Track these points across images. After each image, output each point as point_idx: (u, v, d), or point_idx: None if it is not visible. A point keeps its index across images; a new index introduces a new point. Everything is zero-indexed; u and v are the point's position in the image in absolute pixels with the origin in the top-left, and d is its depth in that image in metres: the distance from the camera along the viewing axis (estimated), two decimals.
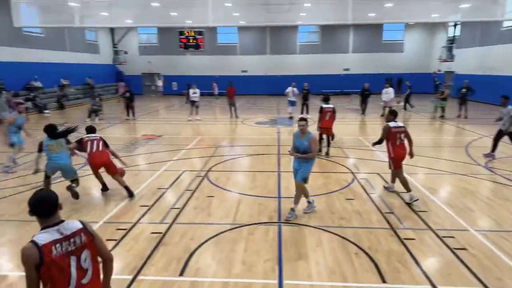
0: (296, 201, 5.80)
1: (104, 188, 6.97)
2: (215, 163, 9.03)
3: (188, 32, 30.53)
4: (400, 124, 6.51)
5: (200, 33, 30.59)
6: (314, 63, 30.37)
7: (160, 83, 30.00)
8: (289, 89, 16.65)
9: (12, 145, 8.46)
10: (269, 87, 29.71)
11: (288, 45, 30.76)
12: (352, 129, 14.21)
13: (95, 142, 6.70)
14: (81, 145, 6.74)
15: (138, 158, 9.84)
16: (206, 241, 4.98)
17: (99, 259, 2.40)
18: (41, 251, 2.07)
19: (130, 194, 6.62)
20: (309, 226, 5.44)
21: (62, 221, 2.25)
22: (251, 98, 27.52)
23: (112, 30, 30.82)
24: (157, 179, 7.79)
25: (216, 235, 5.16)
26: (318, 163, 8.03)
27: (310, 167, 5.70)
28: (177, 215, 5.85)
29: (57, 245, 2.14)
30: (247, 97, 27.76)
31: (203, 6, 16.20)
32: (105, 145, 6.84)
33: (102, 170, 6.80)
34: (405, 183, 6.34)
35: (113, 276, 2.56)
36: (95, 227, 5.37)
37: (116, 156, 6.93)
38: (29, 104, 17.73)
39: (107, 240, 4.91)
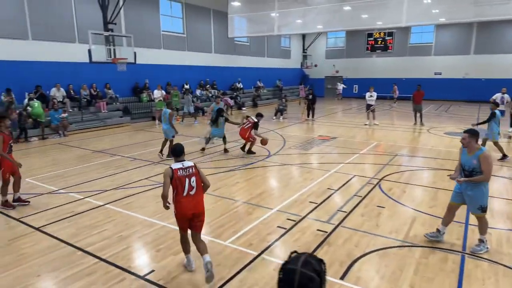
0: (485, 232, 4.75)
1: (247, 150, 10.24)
2: (389, 172, 8.46)
3: (377, 34, 29.56)
4: None
5: (390, 34, 29.08)
6: None
7: (340, 86, 30.32)
8: (497, 96, 13.73)
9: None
10: (468, 92, 25.38)
11: (501, 43, 25.19)
12: None
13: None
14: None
15: (312, 157, 10.30)
16: (371, 251, 4.76)
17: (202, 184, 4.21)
18: (173, 171, 4.05)
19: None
20: (505, 266, 4.39)
21: (184, 160, 4.22)
22: (442, 104, 24.19)
23: (303, 36, 33.17)
24: (327, 179, 7.96)
25: (383, 248, 4.85)
26: None
27: (483, 192, 4.54)
28: (344, 218, 5.83)
29: (180, 170, 4.08)
30: (437, 103, 24.58)
31: (398, 5, 15.27)
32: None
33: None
34: None
35: (279, 261, 2.79)
36: (268, 213, 6.02)
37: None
38: (232, 102, 21.28)
39: (277, 227, 5.44)
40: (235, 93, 23.58)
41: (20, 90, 13.52)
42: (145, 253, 4.85)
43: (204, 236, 5.20)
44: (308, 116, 17.98)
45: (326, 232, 5.32)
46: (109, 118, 15.96)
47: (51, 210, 6.25)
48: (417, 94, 15.65)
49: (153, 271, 4.32)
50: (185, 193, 4.03)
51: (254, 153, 10.32)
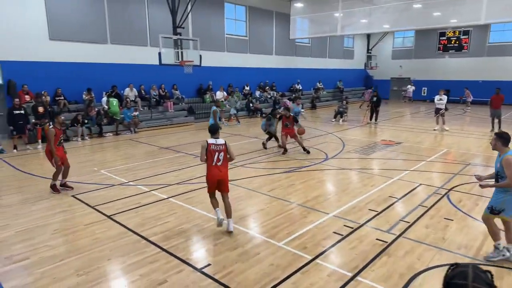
0: (495, 238, 4.48)
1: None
2: (460, 183, 7.78)
3: (451, 33, 27.35)
4: None
5: (466, 32, 26.72)
6: None
7: (410, 88, 28.57)
8: None
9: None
10: None
11: None
12: None
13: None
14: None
15: (373, 162, 9.87)
16: (436, 266, 4.43)
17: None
18: (207, 144, 5.27)
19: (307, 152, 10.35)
20: None
21: (218, 138, 5.39)
22: None
23: (368, 36, 31.92)
24: (389, 187, 7.56)
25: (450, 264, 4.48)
26: None
27: (503, 198, 4.28)
28: (406, 229, 5.50)
29: (213, 145, 5.28)
30: None
31: (476, 1, 13.97)
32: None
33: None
34: None
35: (334, 268, 2.72)
36: (324, 218, 5.90)
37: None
38: (290, 103, 21.22)
39: (333, 232, 5.32)
40: (293, 95, 23.51)
41: (99, 90, 14.95)
42: (202, 247, 5.06)
43: (258, 235, 5.29)
44: (370, 119, 17.25)
45: (386, 242, 5.06)
46: (175, 117, 16.93)
47: (121, 200, 6.81)
48: (496, 98, 14.18)
49: (209, 264, 4.49)
50: (213, 163, 5.27)
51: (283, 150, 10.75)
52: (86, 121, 13.29)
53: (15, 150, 10.96)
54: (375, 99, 17.16)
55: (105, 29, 15.25)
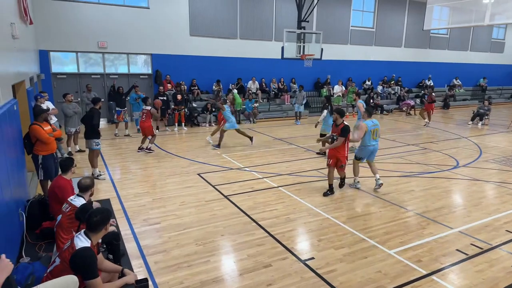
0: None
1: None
2: None
3: None
4: None
5: None
6: None
7: None
8: None
9: None
10: None
11: None
12: None
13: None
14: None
15: None
16: None
17: None
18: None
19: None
20: None
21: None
22: None
23: None
24: None
25: None
26: None
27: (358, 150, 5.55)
28: None
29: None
30: None
31: None
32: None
33: None
34: None
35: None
36: (446, 232, 5.24)
37: None
38: (413, 101, 19.23)
39: (456, 250, 4.70)
40: (422, 92, 21.22)
41: (226, 82, 16.35)
42: (307, 239, 5.11)
43: (367, 238, 5.05)
44: None
45: None
46: (291, 110, 17.28)
47: (237, 183, 7.39)
48: None
49: (313, 258, 4.51)
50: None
51: None
52: (214, 109, 14.71)
53: (157, 131, 12.94)
54: None
55: (236, 25, 16.49)
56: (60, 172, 5.00)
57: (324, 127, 9.56)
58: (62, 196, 4.53)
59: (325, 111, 9.60)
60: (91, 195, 4.30)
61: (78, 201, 4.02)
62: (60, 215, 4.15)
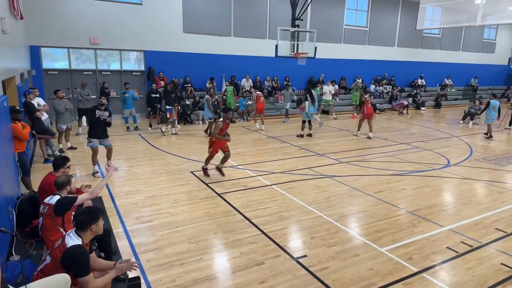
0: None
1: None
2: None
3: None
4: None
5: None
6: None
7: None
8: None
9: None
10: None
11: None
12: None
13: None
14: None
15: (508, 175, 8.34)
16: None
17: None
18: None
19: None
20: None
21: None
22: None
23: None
24: None
25: None
26: None
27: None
28: None
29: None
30: None
31: None
32: None
33: None
34: None
35: (443, 285, 2.45)
36: (437, 230, 5.30)
37: None
38: (406, 101, 19.38)
39: (447, 247, 4.73)
40: (414, 91, 21.41)
41: (219, 79, 16.28)
42: (300, 237, 5.13)
43: (359, 236, 5.09)
44: (510, 125, 14.57)
45: None
46: (283, 108, 17.26)
47: (230, 181, 7.38)
48: None
49: (305, 256, 4.53)
50: None
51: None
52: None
53: (149, 128, 12.85)
54: None
55: (230, 22, 16.42)
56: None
57: (304, 114, 11.91)
58: (51, 193, 4.46)
59: (306, 102, 11.70)
60: (70, 192, 4.20)
61: (54, 199, 3.93)
62: (41, 218, 4.05)
